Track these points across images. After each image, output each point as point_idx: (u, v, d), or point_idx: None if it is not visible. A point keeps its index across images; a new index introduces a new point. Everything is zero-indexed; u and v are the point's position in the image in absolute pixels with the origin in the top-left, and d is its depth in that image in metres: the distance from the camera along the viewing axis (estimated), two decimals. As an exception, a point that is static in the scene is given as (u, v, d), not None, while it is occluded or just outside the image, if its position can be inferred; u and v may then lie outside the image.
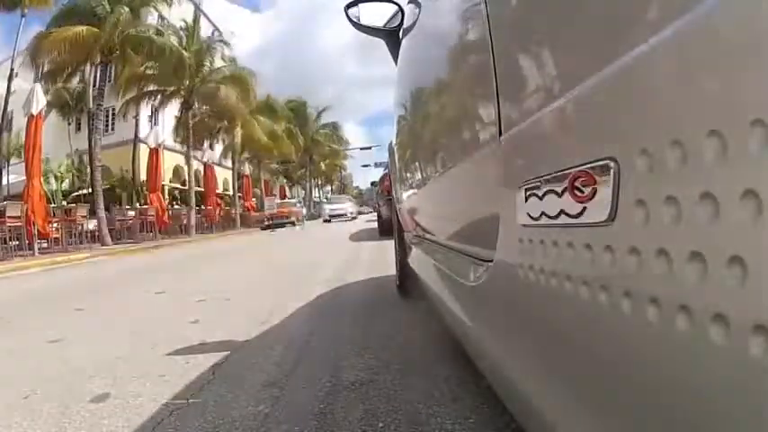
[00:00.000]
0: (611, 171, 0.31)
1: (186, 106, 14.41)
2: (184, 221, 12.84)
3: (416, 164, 1.44)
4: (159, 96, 14.27)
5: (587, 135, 0.36)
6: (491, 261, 0.58)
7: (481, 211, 0.69)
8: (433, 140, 1.08)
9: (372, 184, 13.36)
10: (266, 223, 18.12)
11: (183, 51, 12.54)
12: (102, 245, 9.03)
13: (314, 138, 32.62)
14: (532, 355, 0.48)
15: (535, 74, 0.48)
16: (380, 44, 1.73)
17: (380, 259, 3.99)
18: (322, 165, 36.93)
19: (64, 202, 11.48)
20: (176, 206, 15.47)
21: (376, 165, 32.82)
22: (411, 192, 1.56)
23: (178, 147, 17.71)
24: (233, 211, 17.60)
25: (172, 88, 13.85)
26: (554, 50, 0.44)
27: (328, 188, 47.51)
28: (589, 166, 0.34)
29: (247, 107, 16.40)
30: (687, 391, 0.25)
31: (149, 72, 12.61)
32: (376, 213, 8.91)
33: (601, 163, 0.32)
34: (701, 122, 0.24)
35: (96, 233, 9.69)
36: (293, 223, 18.46)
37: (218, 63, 15.57)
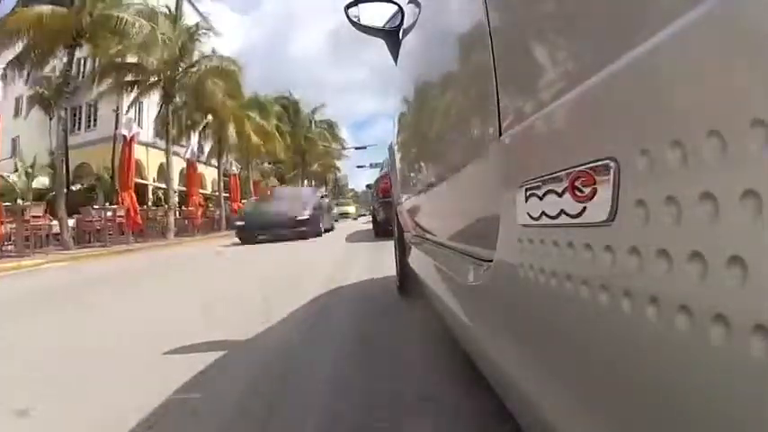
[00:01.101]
0: (611, 171, 0.31)
1: (167, 99, 13.49)
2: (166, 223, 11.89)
3: (417, 164, 1.44)
4: (137, 87, 13.38)
5: (587, 135, 0.36)
6: (491, 261, 0.58)
7: (481, 211, 0.69)
8: (434, 140, 1.08)
9: (368, 186, 12.37)
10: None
11: (157, 30, 11.49)
12: (65, 249, 8.29)
13: (307, 136, 31.03)
14: (532, 355, 0.48)
15: (535, 74, 0.48)
16: (364, 48, 1.72)
17: (379, 256, 3.91)
18: (316, 165, 35.51)
19: (20, 201, 10.70)
20: (157, 207, 14.14)
21: (371, 165, 31.62)
22: (411, 192, 1.56)
23: (164, 144, 16.86)
24: (217, 213, 16.56)
25: (153, 79, 13.06)
26: (554, 50, 0.44)
27: (323, 189, 46.57)
28: (589, 166, 0.34)
29: (232, 100, 15.56)
30: (687, 391, 0.25)
31: (129, 61, 11.79)
32: (371, 216, 8.84)
33: (601, 163, 0.32)
34: (701, 122, 0.24)
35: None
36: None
37: (207, 54, 14.72)
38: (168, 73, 13.07)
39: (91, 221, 9.90)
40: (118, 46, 10.91)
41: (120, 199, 10.21)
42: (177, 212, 12.94)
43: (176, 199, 13.12)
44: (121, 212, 9.85)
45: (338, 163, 41.45)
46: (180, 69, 13.42)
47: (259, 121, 18.90)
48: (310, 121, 32.48)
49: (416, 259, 1.52)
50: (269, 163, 26.60)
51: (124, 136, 10.26)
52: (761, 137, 0.20)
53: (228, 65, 14.87)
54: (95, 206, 11.53)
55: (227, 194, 18.68)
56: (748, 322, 0.21)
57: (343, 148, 38.17)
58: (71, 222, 9.59)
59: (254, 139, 18.25)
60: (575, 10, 0.39)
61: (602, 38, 0.35)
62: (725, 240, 0.22)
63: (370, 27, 1.66)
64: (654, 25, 0.27)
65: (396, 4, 1.60)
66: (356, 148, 38.57)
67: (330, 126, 35.70)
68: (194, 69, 13.95)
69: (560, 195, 0.38)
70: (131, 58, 11.98)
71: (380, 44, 1.71)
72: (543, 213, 0.42)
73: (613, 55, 0.31)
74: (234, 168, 20.31)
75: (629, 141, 0.30)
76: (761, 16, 0.21)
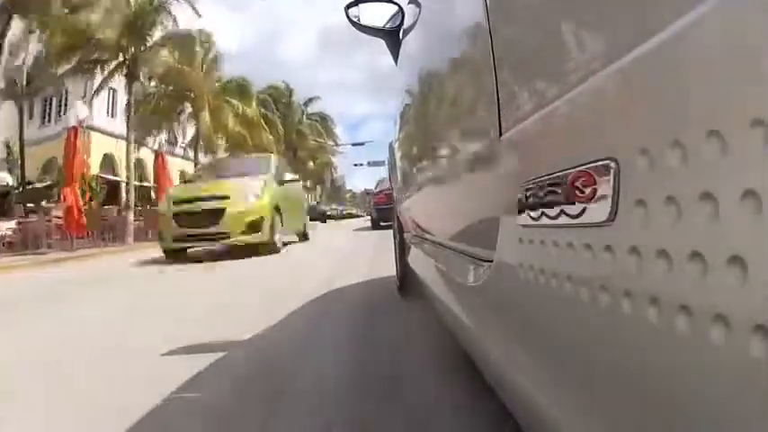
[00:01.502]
0: (611, 171, 0.31)
1: (131, 79, 11.72)
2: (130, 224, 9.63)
3: (417, 164, 1.44)
4: (99, 69, 11.65)
5: (587, 135, 0.36)
6: (491, 261, 0.58)
7: (481, 211, 0.69)
8: (434, 140, 1.08)
9: (367, 193, 13.87)
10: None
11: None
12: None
13: (298, 129, 27.49)
14: (532, 356, 0.48)
15: (535, 74, 0.48)
16: (357, 49, 1.73)
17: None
18: (311, 164, 32.00)
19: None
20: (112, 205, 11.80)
21: (369, 164, 29.90)
22: (411, 192, 1.56)
23: (142, 138, 14.60)
24: None
25: (116, 62, 11.29)
26: (554, 50, 0.44)
27: (319, 190, 41.15)
28: (589, 166, 0.34)
29: (198, 76, 13.58)
30: (687, 391, 0.25)
31: (85, 36, 9.99)
32: (369, 216, 11.98)
33: (601, 163, 0.32)
34: (701, 122, 0.24)
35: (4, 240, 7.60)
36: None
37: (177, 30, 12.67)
38: (132, 50, 11.33)
39: (29, 223, 8.37)
40: (64, 11, 9.20)
41: (62, 196, 8.05)
42: (140, 212, 10.71)
43: (153, 195, 11.58)
44: (59, 212, 7.87)
45: (334, 161, 38.35)
46: (145, 46, 11.61)
47: (241, 108, 16.28)
48: (302, 113, 29.22)
49: (416, 259, 1.52)
50: (259, 159, 24.79)
51: (72, 123, 8.08)
52: (761, 137, 0.20)
53: (189, 35, 12.75)
54: (30, 205, 9.73)
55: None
56: (748, 322, 0.21)
57: (337, 144, 34.71)
58: (12, 224, 8.29)
59: (232, 124, 15.71)
60: (575, 10, 0.39)
61: (602, 38, 0.35)
62: (725, 240, 0.22)
63: (370, 27, 1.66)
64: (654, 25, 0.27)
65: (396, 4, 1.60)
66: (353, 145, 36.53)
67: (323, 119, 32.31)
68: (161, 44, 12.04)
69: (560, 195, 0.38)
70: (91, 33, 10.22)
71: (374, 45, 1.71)
72: (543, 213, 0.42)
73: (613, 55, 0.31)
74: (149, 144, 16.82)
75: (629, 141, 0.30)
76: (761, 16, 0.21)
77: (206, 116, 15.10)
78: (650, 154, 0.27)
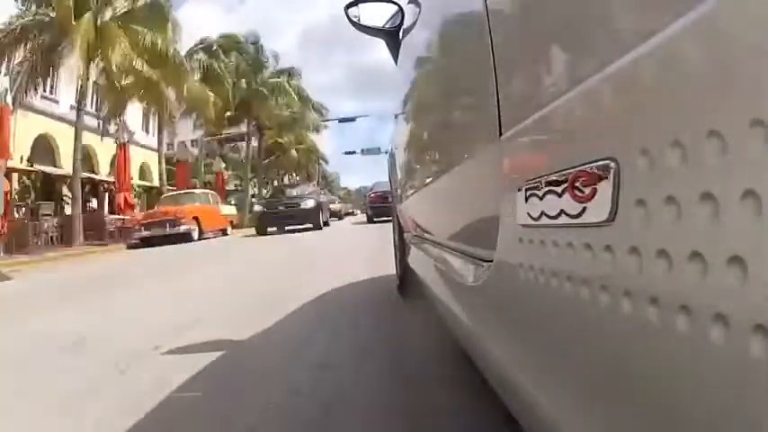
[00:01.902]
0: (611, 171, 0.31)
1: None
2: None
3: (417, 164, 1.44)
4: None
5: (587, 135, 0.36)
6: (491, 261, 0.58)
7: (481, 211, 0.69)
8: (434, 140, 1.08)
9: (364, 195, 16.52)
10: (136, 235, 9.76)
11: None
12: None
13: (258, 89, 18.03)
14: (532, 356, 0.48)
15: (535, 74, 0.48)
16: (347, 49, 1.72)
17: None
18: (293, 152, 24.53)
19: None
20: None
21: (363, 152, 28.62)
22: (411, 192, 1.56)
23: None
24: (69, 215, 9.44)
25: None
26: (554, 50, 0.44)
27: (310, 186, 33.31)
28: (589, 166, 0.34)
29: None
30: (687, 390, 0.25)
31: None
32: (365, 212, 14.89)
33: (601, 163, 0.32)
34: (701, 122, 0.24)
35: None
36: (187, 234, 9.62)
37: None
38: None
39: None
40: None
41: None
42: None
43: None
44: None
45: (325, 153, 30.33)
46: None
47: (147, 38, 10.30)
48: (259, 60, 18.62)
49: (417, 259, 1.52)
50: (224, 140, 18.20)
51: None
52: (761, 137, 0.20)
53: None
54: None
55: (115, 180, 11.43)
56: (748, 322, 0.21)
57: (323, 117, 23.44)
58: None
59: (121, 58, 9.65)
60: (575, 10, 0.39)
61: (602, 38, 0.35)
62: (725, 240, 0.22)
63: (370, 27, 1.66)
64: (654, 25, 0.27)
65: (396, 4, 1.60)
66: (340, 121, 26.50)
67: (291, 75, 19.92)
68: None
69: (560, 195, 0.38)
70: None
71: (360, 45, 1.71)
72: (543, 213, 0.42)
73: (613, 55, 0.31)
74: (112, 127, 11.96)
75: (629, 141, 0.30)
76: (761, 16, 0.21)
77: (76, 50, 9.16)
78: (650, 154, 0.27)
